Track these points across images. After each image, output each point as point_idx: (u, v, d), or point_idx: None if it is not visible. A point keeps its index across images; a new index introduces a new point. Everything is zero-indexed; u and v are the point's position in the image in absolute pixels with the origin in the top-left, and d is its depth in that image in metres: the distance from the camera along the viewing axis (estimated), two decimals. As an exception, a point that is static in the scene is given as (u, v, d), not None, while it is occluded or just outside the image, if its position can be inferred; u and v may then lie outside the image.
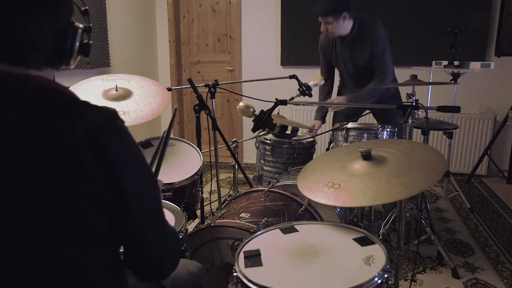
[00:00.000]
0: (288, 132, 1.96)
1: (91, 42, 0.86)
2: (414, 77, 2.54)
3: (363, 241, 1.30)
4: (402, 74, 3.81)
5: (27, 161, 0.72)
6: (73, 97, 0.80)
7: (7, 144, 0.72)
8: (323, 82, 2.59)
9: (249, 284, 1.10)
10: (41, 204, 0.73)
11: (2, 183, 0.72)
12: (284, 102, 1.86)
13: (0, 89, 0.76)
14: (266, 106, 2.05)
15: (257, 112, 1.96)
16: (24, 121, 0.73)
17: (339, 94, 2.98)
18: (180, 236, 1.50)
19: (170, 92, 2.43)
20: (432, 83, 2.42)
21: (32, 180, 0.72)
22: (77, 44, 0.80)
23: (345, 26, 2.58)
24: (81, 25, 0.82)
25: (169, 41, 4.70)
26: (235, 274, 1.16)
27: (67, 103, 0.78)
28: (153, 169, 1.12)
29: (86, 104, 0.79)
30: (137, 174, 0.82)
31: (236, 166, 2.62)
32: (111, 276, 0.85)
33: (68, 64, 0.83)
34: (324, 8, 2.52)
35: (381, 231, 2.36)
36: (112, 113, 0.80)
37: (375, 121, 2.89)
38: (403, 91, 2.66)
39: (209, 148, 2.65)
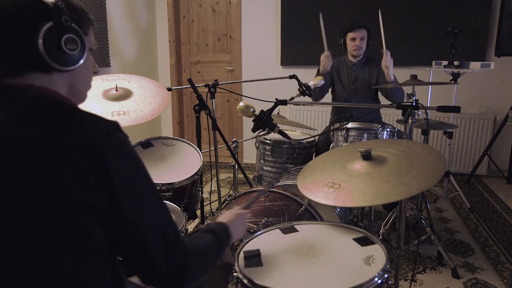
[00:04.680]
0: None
1: (68, 36, 0.81)
2: (414, 77, 2.54)
3: (363, 241, 1.30)
4: (402, 74, 3.81)
5: (23, 169, 0.72)
6: (75, 108, 0.80)
7: (4, 151, 0.72)
8: (323, 82, 2.59)
9: (249, 284, 1.10)
10: (37, 212, 0.73)
11: None
12: (284, 102, 1.86)
13: (2, 99, 0.77)
14: (266, 106, 2.05)
15: (257, 112, 1.96)
16: (23, 130, 0.73)
17: (335, 116, 3.13)
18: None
19: (170, 92, 2.43)
20: (432, 83, 2.42)
21: (28, 188, 0.72)
22: (40, 42, 0.77)
23: (365, 47, 2.97)
24: (48, 23, 0.78)
25: (169, 41, 4.70)
26: (235, 274, 1.16)
27: (69, 113, 0.78)
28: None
29: (88, 115, 0.79)
30: (136, 186, 0.81)
31: (236, 166, 2.61)
32: None
33: (55, 66, 0.80)
34: (360, 24, 2.95)
35: (381, 231, 2.37)
36: (114, 125, 0.80)
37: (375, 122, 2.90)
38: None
39: (209, 148, 2.65)
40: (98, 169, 0.75)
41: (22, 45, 0.78)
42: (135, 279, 1.13)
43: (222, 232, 1.10)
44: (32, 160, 0.72)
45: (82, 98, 0.92)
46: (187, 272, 0.89)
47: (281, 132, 2.00)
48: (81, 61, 0.85)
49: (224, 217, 1.19)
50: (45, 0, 0.79)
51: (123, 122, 1.83)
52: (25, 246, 0.73)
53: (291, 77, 2.74)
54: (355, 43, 2.94)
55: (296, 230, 1.40)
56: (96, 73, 0.96)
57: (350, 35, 2.95)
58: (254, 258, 1.22)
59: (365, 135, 2.43)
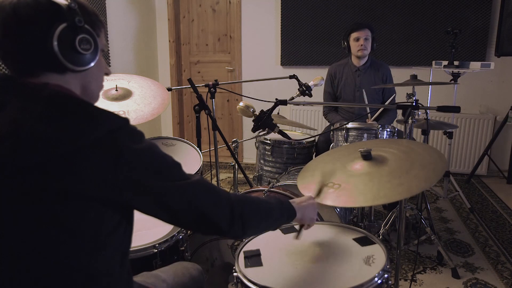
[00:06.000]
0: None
1: (82, 36, 0.82)
2: (414, 77, 2.54)
3: (363, 241, 1.30)
4: (402, 74, 3.82)
5: (40, 164, 0.73)
6: (89, 104, 0.82)
7: (22, 148, 0.73)
8: (322, 82, 2.59)
9: (249, 284, 1.10)
10: (51, 208, 0.74)
11: (13, 186, 0.74)
12: (284, 102, 1.86)
13: (19, 97, 0.78)
14: (266, 106, 2.05)
15: (257, 112, 1.96)
16: (40, 126, 0.74)
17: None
18: (180, 236, 1.50)
19: (170, 92, 2.43)
20: (432, 83, 2.42)
21: (44, 183, 0.73)
22: (55, 44, 0.79)
23: (369, 48, 2.89)
24: (62, 24, 0.79)
25: (169, 41, 4.70)
26: (235, 274, 1.16)
27: (83, 109, 0.80)
28: None
29: (101, 110, 0.81)
30: (157, 167, 0.83)
31: (236, 166, 2.61)
32: (119, 283, 0.86)
33: (70, 66, 0.81)
34: (365, 23, 2.89)
35: (381, 231, 2.37)
36: (126, 121, 0.82)
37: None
38: (403, 91, 2.67)
39: (209, 148, 2.65)
40: (116, 161, 0.77)
41: (37, 46, 0.79)
42: (137, 278, 1.13)
43: (282, 199, 1.12)
44: (49, 155, 0.73)
45: (95, 98, 0.94)
46: (235, 218, 0.93)
47: (281, 132, 2.00)
48: (94, 61, 0.86)
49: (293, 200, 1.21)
50: (59, 2, 0.80)
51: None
52: (37, 241, 0.75)
53: (291, 77, 2.73)
54: (359, 42, 2.85)
55: (296, 230, 1.40)
56: (107, 74, 0.97)
57: (353, 35, 2.87)
58: (254, 258, 1.22)
59: (365, 135, 2.43)
